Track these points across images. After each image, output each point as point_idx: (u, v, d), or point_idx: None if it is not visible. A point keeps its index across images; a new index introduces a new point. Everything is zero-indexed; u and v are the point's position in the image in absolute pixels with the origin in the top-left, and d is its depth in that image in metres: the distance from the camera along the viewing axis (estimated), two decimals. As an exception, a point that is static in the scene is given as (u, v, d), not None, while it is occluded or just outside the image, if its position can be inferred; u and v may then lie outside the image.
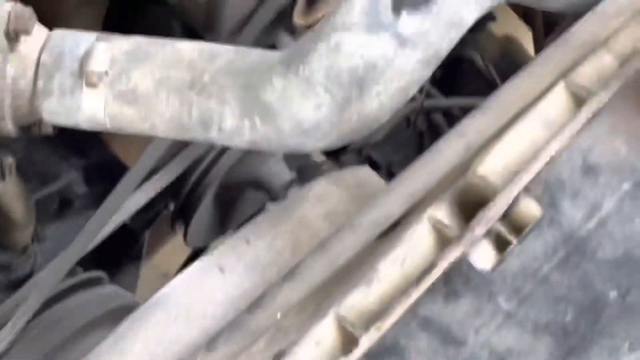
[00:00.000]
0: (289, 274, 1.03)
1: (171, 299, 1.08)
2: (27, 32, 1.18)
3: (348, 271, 1.06)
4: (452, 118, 2.09)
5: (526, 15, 2.07)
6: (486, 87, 2.08)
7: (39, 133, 1.30)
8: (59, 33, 1.22)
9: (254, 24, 1.34)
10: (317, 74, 1.03)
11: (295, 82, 1.04)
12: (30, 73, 1.20)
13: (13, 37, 1.18)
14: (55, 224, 1.56)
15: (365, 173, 1.33)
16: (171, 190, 1.71)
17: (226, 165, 1.64)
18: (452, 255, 1.02)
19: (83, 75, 1.17)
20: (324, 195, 1.21)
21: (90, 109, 1.19)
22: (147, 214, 1.90)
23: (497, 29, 2.18)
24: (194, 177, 1.66)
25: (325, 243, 1.05)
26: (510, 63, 2.09)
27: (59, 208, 1.57)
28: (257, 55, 1.13)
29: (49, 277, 1.42)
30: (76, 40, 1.20)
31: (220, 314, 1.08)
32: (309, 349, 1.02)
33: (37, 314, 1.39)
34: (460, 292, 1.00)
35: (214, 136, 1.15)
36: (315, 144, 1.08)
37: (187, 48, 1.18)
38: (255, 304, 1.02)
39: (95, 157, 1.61)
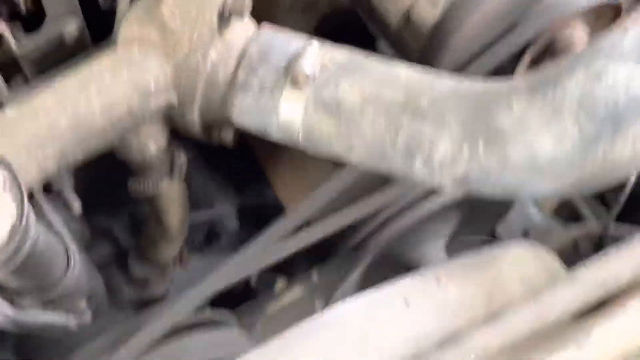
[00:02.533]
0: (492, 318, 0.89)
1: (347, 321, 0.94)
2: (241, 15, 1.09)
3: (556, 329, 0.92)
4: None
5: None
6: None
7: (217, 138, 1.19)
8: (270, 29, 1.13)
9: (480, 63, 1.23)
10: (569, 102, 0.90)
11: (540, 107, 0.92)
12: (232, 62, 1.10)
13: (225, 19, 1.09)
14: (197, 255, 1.45)
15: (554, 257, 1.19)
16: (319, 252, 1.58)
17: (391, 234, 1.50)
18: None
19: (289, 74, 1.06)
20: (522, 260, 1.07)
21: (287, 112, 1.08)
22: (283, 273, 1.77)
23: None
24: (354, 241, 1.52)
25: (539, 293, 0.91)
26: None
27: (205, 239, 1.45)
28: (489, 83, 1.01)
29: (183, 305, 1.30)
30: (287, 39, 1.10)
31: (400, 349, 0.94)
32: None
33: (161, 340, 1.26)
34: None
35: (417, 167, 1.03)
36: (541, 186, 0.95)
37: (405, 70, 1.07)
38: (449, 341, 0.88)
39: (254, 196, 1.49)
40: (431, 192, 1.47)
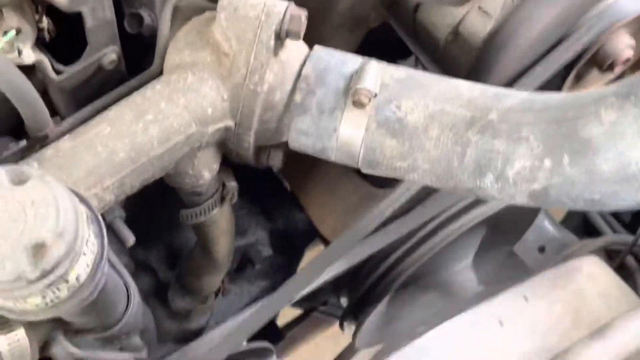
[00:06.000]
0: (599, 332, 0.87)
1: (445, 345, 0.91)
2: (298, 36, 1.06)
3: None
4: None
5: None
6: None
7: (266, 161, 1.16)
8: (324, 49, 1.10)
9: (530, 77, 1.21)
10: (665, 108, 0.89)
11: (634, 115, 0.90)
12: (288, 85, 1.07)
13: (281, 39, 1.06)
14: (232, 283, 1.41)
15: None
16: (346, 282, 1.55)
17: (419, 259, 1.47)
18: None
19: (349, 94, 1.03)
20: (596, 274, 1.05)
21: (347, 133, 1.05)
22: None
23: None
24: (381, 268, 1.49)
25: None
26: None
27: (238, 266, 1.42)
28: (568, 94, 0.99)
29: (224, 340, 1.26)
30: (343, 59, 1.08)
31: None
32: None
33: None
34: None
35: (486, 184, 1.01)
36: (629, 198, 0.93)
37: (466, 85, 1.05)
38: (558, 358, 0.86)
39: (285, 221, 1.46)
40: (463, 209, 1.45)
